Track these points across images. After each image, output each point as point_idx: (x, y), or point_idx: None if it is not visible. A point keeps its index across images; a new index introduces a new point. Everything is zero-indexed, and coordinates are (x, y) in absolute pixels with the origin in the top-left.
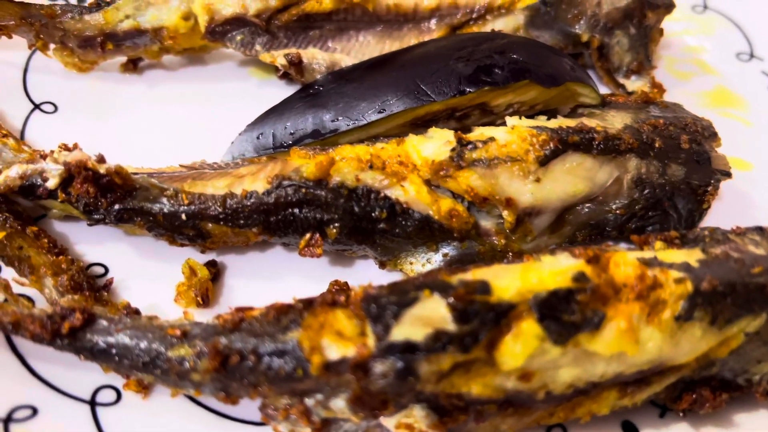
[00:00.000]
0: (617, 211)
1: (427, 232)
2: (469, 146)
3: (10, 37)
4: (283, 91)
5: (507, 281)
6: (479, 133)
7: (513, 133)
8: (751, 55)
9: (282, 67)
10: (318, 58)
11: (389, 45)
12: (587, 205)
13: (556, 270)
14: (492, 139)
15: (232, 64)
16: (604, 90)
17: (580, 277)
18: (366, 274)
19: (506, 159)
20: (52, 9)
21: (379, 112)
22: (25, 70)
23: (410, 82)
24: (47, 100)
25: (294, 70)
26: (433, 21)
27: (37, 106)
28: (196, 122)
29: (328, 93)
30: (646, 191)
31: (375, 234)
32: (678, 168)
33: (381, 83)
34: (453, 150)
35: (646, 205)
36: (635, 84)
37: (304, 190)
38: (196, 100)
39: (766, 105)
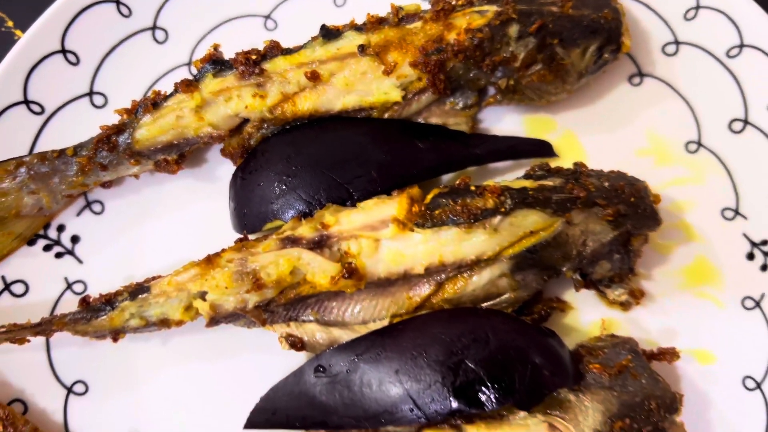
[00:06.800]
0: None
1: None
2: None
3: (22, 343)
4: None
5: None
6: None
7: None
8: (736, 212)
9: (286, 348)
10: (317, 336)
11: (381, 302)
12: None
13: None
14: None
15: None
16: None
17: None
18: None
19: None
20: (62, 321)
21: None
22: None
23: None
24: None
25: (296, 349)
26: (423, 280)
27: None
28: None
29: (332, 387)
30: None
31: None
32: None
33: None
34: None
35: None
36: (615, 293)
37: None
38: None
39: (739, 279)
